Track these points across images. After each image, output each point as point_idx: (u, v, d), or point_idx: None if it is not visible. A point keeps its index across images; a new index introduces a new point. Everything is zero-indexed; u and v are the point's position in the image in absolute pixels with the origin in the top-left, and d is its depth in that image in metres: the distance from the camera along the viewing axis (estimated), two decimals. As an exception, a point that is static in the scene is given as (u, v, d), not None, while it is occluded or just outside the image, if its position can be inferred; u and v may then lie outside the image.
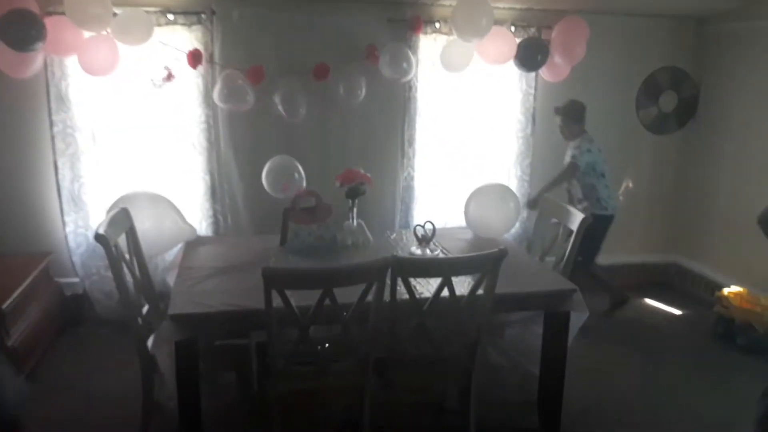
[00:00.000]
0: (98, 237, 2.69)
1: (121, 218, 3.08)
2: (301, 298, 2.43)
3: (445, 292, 2.56)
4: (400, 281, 2.51)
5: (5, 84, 3.80)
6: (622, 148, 5.00)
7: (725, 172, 4.74)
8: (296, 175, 3.61)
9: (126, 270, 2.98)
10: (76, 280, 4.30)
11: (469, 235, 3.82)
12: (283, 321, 2.42)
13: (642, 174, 5.14)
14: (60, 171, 4.09)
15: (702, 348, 4.15)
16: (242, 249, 3.47)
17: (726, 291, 4.23)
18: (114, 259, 2.75)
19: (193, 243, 3.57)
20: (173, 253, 3.79)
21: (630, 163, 5.08)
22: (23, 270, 3.79)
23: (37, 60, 3.78)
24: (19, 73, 3.75)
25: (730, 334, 4.13)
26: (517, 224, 4.40)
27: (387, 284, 2.47)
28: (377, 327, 2.53)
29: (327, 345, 2.69)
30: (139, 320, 2.93)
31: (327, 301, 2.38)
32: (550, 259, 3.61)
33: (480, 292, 2.63)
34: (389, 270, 2.44)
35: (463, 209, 3.83)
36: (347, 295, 2.43)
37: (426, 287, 2.77)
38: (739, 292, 4.17)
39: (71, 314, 4.27)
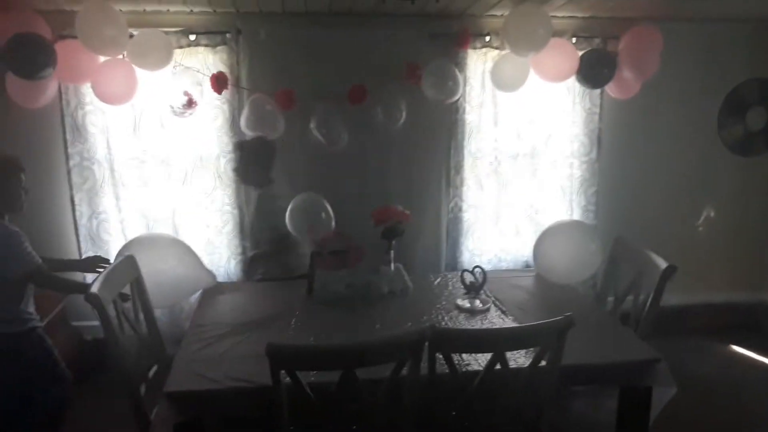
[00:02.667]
0: (89, 297, 2.33)
1: (124, 269, 2.72)
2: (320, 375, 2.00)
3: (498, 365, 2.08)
4: (440, 356, 2.03)
5: (18, 114, 3.55)
6: (701, 172, 4.41)
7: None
8: (323, 215, 3.18)
9: (128, 327, 2.62)
10: (96, 323, 3.97)
11: (527, 280, 3.32)
12: (296, 405, 1.98)
13: (725, 201, 4.50)
14: (77, 207, 3.81)
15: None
16: (265, 298, 3.08)
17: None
18: (107, 321, 2.37)
19: (211, 291, 3.20)
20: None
21: (711, 189, 4.46)
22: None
23: (50, 88, 3.52)
24: (31, 102, 3.49)
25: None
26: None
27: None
28: (412, 409, 2.05)
29: (354, 428, 2.23)
30: (143, 389, 2.54)
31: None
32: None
33: (542, 363, 2.13)
34: (426, 344, 1.97)
35: (532, 249, 3.35)
36: (376, 369, 1.98)
37: (473, 357, 2.29)
38: None
39: (93, 360, 3.94)
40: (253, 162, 3.52)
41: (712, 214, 4.50)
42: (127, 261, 2.77)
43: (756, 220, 4.56)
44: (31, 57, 3.19)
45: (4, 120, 3.58)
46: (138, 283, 2.79)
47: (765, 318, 4.57)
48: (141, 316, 2.79)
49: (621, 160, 4.22)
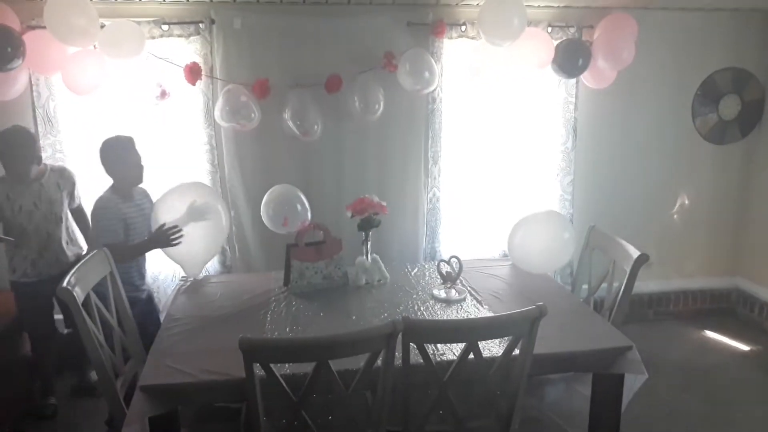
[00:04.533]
0: (61, 291, 2.30)
1: (97, 263, 2.69)
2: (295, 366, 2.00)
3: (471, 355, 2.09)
4: (414, 346, 2.04)
5: (-12, 107, 3.47)
6: (676, 160, 4.45)
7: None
8: (299, 206, 3.17)
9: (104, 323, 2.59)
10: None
11: (503, 269, 3.34)
12: (271, 396, 1.98)
13: (700, 189, 4.54)
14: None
15: (777, 394, 3.56)
16: (242, 291, 3.06)
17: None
18: (81, 316, 2.34)
19: (189, 284, 3.17)
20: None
21: (685, 177, 4.50)
22: (5, 304, 3.46)
23: (20, 79, 3.45)
24: (1, 94, 3.41)
25: (811, 378, 3.54)
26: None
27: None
28: (387, 399, 2.06)
29: (330, 418, 2.24)
30: (119, 382, 2.52)
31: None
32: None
33: (515, 352, 2.14)
34: (399, 335, 1.97)
35: (507, 239, 3.36)
36: (350, 360, 2.00)
37: (448, 346, 2.30)
38: (821, 328, 3.57)
39: (68, 353, 3.89)
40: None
41: (687, 201, 4.54)
42: (99, 255, 2.73)
43: (729, 207, 4.61)
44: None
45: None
46: (112, 276, 2.75)
47: (738, 303, 4.65)
48: (113, 307, 2.75)
49: (597, 149, 4.25)
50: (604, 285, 3.05)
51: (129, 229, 3.08)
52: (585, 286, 3.25)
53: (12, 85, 3.41)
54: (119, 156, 3.07)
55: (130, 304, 2.87)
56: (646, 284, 4.33)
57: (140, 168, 3.15)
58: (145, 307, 3.25)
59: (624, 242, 2.92)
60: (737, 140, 4.47)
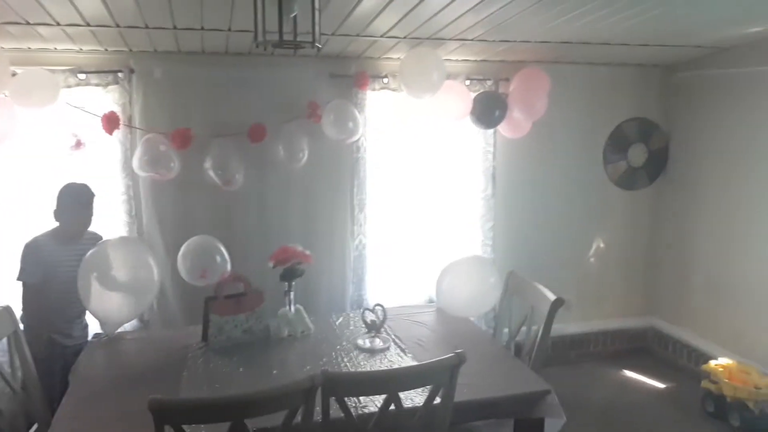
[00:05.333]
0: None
1: (1, 320, 2.54)
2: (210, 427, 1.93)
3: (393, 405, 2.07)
4: (334, 400, 2.01)
5: None
6: (590, 205, 4.66)
7: (704, 228, 4.38)
8: (218, 257, 3.10)
9: (6, 387, 2.43)
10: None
11: (428, 315, 3.36)
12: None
13: (613, 233, 4.76)
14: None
15: (693, 430, 3.69)
16: (158, 347, 2.94)
17: (713, 363, 3.81)
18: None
19: (102, 341, 3.02)
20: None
21: (599, 221, 4.72)
22: None
23: None
24: None
25: (722, 413, 3.69)
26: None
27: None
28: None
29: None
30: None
31: None
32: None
33: (436, 401, 2.15)
34: (319, 389, 1.94)
35: (434, 284, 3.41)
36: (269, 417, 1.93)
37: (369, 398, 2.28)
38: (729, 364, 3.75)
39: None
40: None
41: (602, 245, 4.74)
42: (3, 314, 2.58)
43: (642, 249, 4.85)
44: None
45: None
46: (15, 336, 2.60)
47: (654, 342, 4.84)
48: (19, 373, 2.59)
49: (515, 196, 4.39)
50: (524, 329, 3.11)
51: (57, 272, 3.03)
52: (506, 330, 3.31)
53: None
54: (74, 206, 3.10)
55: (57, 350, 2.97)
56: (566, 326, 4.46)
57: (87, 224, 3.18)
58: (71, 360, 3.02)
59: (541, 287, 3.01)
60: (646, 186, 4.74)
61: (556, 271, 4.35)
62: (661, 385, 4.29)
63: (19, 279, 3.02)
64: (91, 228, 3.28)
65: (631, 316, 4.88)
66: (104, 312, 2.97)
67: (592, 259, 4.73)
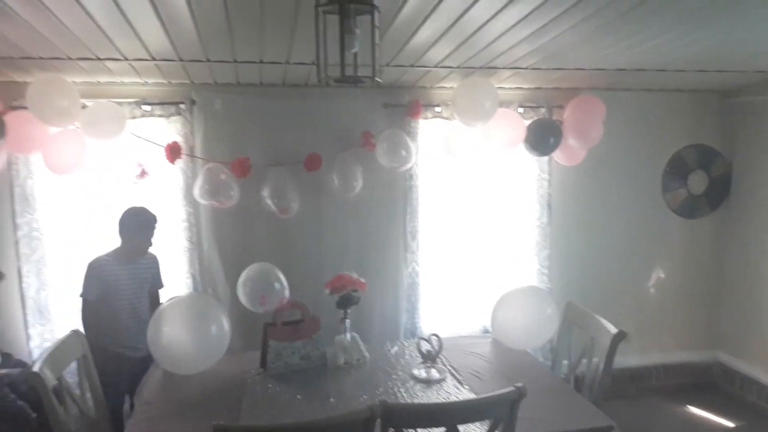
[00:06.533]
0: (30, 377, 2.23)
1: (71, 345, 2.63)
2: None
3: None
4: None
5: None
6: (649, 234, 4.54)
7: (770, 257, 4.21)
8: (277, 284, 3.15)
9: (76, 409, 2.51)
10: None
11: (483, 346, 3.31)
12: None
13: (673, 262, 4.62)
14: (24, 279, 3.68)
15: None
16: (218, 372, 2.98)
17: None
18: (50, 402, 2.27)
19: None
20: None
21: (659, 250, 4.58)
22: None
23: (0, 158, 3.45)
24: (-21, 173, 3.41)
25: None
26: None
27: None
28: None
29: None
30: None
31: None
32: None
33: (495, 435, 2.11)
34: (378, 420, 1.93)
35: (490, 315, 3.37)
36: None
37: (428, 429, 2.25)
38: (802, 402, 3.56)
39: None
40: None
41: (662, 275, 4.60)
42: (74, 336, 2.67)
43: (705, 280, 4.68)
44: (-19, 129, 3.15)
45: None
46: (85, 359, 2.69)
47: (720, 377, 4.64)
48: (88, 394, 2.67)
49: (571, 224, 4.32)
50: (584, 360, 3.04)
51: (116, 290, 3.21)
52: (565, 362, 3.24)
53: (-10, 163, 3.42)
54: (134, 228, 3.28)
55: (124, 364, 3.13)
56: (626, 359, 4.33)
57: (146, 245, 3.35)
58: (138, 368, 3.21)
59: (601, 318, 2.94)
60: (707, 214, 4.59)
61: (613, 302, 4.25)
62: (729, 423, 4.10)
63: (81, 296, 3.23)
64: (151, 250, 3.43)
65: (694, 349, 4.70)
66: (171, 365, 2.98)
67: (651, 290, 4.59)
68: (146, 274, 3.41)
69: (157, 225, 3.36)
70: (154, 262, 3.50)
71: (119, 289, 3.24)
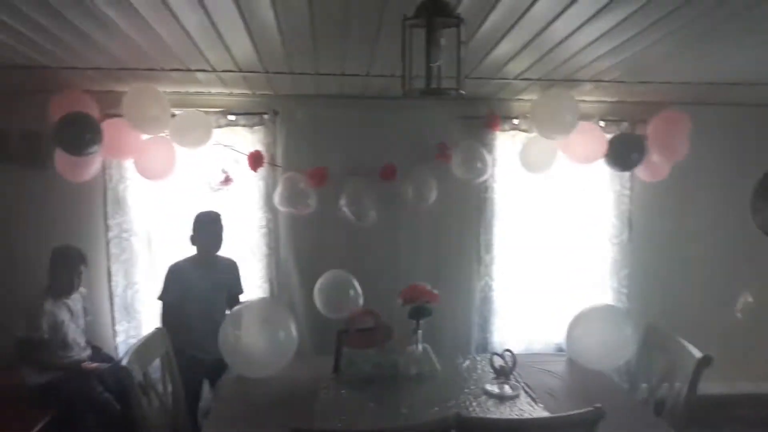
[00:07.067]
0: (120, 371, 2.36)
1: (155, 342, 2.75)
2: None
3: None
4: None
5: (64, 187, 3.69)
6: (736, 255, 4.31)
7: None
8: (351, 292, 3.20)
9: (158, 402, 2.62)
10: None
11: (558, 365, 3.23)
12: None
13: (764, 287, 4.36)
14: (113, 277, 3.89)
15: None
16: (291, 376, 3.03)
17: None
18: (135, 395, 2.38)
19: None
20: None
21: (747, 273, 4.34)
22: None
23: (95, 163, 3.67)
24: (78, 176, 3.64)
25: None
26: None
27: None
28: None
29: None
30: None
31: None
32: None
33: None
34: (452, 432, 1.92)
35: (565, 333, 3.30)
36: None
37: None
38: None
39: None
40: None
41: (751, 299, 4.36)
42: (158, 333, 2.80)
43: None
44: (80, 135, 3.36)
45: (50, 191, 3.74)
46: (168, 356, 2.81)
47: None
48: (169, 388, 2.79)
49: (653, 243, 4.17)
50: (665, 384, 2.91)
51: (193, 293, 3.35)
52: (644, 385, 3.12)
53: (88, 167, 3.62)
54: (201, 227, 3.43)
55: (199, 367, 3.26)
56: (711, 385, 4.10)
57: (217, 242, 3.49)
58: (215, 371, 3.34)
59: (685, 342, 2.81)
60: (802, 236, 4.32)
61: (696, 325, 4.02)
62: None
63: (159, 298, 3.42)
64: (228, 255, 3.59)
65: (786, 379, 4.42)
66: (240, 368, 3.04)
67: (738, 314, 4.35)
68: (223, 279, 3.53)
69: (221, 223, 3.49)
70: (232, 267, 3.62)
71: (195, 293, 3.36)
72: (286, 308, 3.48)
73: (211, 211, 3.53)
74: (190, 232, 3.47)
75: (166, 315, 3.39)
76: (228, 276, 3.60)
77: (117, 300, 3.91)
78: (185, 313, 3.34)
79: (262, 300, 3.53)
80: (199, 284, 3.39)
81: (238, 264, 3.69)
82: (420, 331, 3.12)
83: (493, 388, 2.84)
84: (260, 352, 2.92)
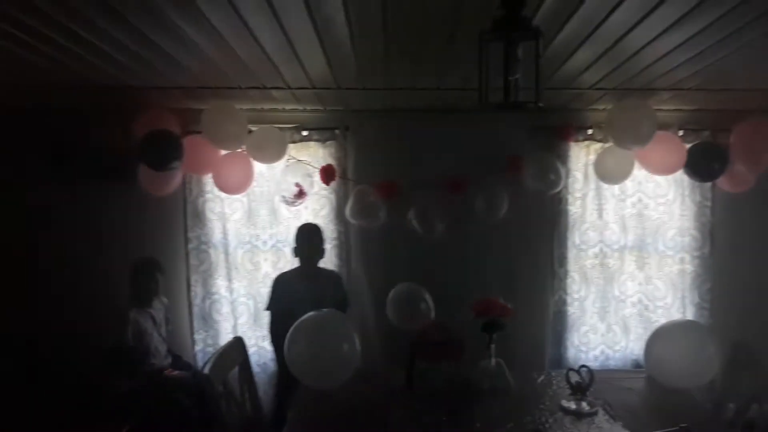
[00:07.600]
0: (203, 379, 2.44)
1: (234, 351, 2.84)
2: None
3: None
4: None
5: (146, 201, 3.85)
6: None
7: None
8: (423, 305, 3.20)
9: (237, 411, 2.70)
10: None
11: (637, 382, 3.14)
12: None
13: None
14: (192, 288, 4.04)
15: None
16: (362, 389, 3.05)
17: None
18: (217, 402, 2.46)
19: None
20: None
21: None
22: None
23: (176, 178, 3.82)
24: (160, 190, 3.80)
25: None
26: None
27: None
28: None
29: None
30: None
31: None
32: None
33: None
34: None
35: (644, 349, 3.20)
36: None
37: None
38: None
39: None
40: None
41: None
42: (236, 343, 2.88)
43: None
44: (162, 152, 3.52)
45: (135, 205, 3.91)
46: (246, 365, 2.88)
47: None
48: (247, 395, 2.86)
49: (737, 257, 3.98)
50: (755, 406, 2.77)
51: (297, 304, 3.29)
52: (731, 405, 2.97)
53: (170, 182, 3.78)
54: (300, 239, 3.58)
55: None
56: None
57: (316, 253, 3.60)
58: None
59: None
60: None
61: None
62: None
63: (266, 309, 3.58)
64: (329, 267, 3.77)
65: None
66: (304, 379, 2.97)
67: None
68: (325, 292, 3.55)
69: (321, 234, 3.63)
70: (335, 280, 3.71)
71: (298, 305, 3.29)
72: (348, 320, 3.51)
73: (311, 223, 3.69)
74: (293, 244, 3.62)
75: (274, 325, 3.50)
76: (331, 289, 3.64)
77: (196, 309, 4.04)
78: (290, 323, 3.18)
79: (326, 312, 3.53)
80: (305, 295, 3.43)
81: (342, 277, 3.82)
82: (493, 345, 3.09)
83: (570, 405, 2.78)
84: (322, 363, 2.95)
